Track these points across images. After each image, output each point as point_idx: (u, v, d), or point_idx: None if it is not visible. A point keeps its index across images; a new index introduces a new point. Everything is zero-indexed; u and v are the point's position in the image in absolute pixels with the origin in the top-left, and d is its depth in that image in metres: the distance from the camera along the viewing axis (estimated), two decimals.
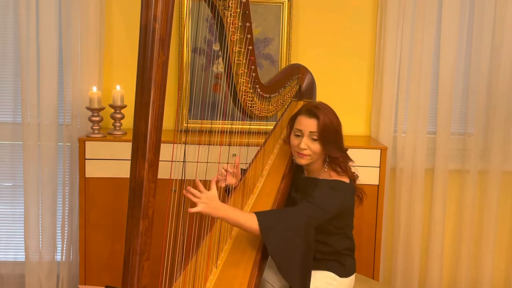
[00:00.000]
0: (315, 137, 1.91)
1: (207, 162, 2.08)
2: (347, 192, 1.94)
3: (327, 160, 1.96)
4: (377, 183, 2.72)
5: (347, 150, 2.00)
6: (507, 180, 3.10)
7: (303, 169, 2.07)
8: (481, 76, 2.97)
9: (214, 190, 1.70)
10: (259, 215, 1.74)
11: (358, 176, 2.00)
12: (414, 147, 2.99)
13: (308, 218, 1.80)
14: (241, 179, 2.07)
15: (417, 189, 2.99)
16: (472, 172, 3.02)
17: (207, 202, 1.66)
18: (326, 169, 1.97)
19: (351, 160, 1.99)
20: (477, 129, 3.01)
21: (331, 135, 1.91)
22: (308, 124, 1.93)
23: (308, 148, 1.92)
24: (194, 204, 1.66)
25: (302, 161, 1.96)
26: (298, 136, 1.96)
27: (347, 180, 1.95)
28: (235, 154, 2.37)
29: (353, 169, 1.99)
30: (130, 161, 1.16)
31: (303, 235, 1.78)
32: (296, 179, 2.09)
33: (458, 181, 3.08)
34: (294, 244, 1.76)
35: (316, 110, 1.93)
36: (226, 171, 2.03)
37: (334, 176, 1.94)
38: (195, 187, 1.67)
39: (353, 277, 2.06)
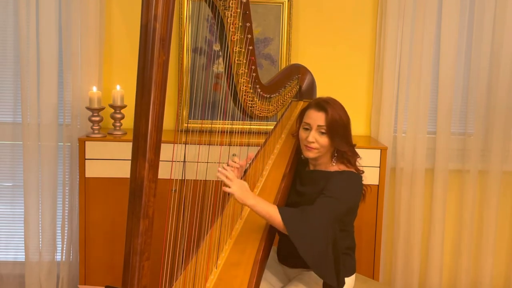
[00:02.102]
0: (323, 131, 1.92)
1: (207, 162, 2.07)
2: (359, 183, 1.95)
3: (335, 154, 1.97)
4: (377, 183, 2.72)
5: (355, 145, 2.01)
6: (507, 180, 3.10)
7: (307, 163, 2.08)
8: (481, 76, 2.98)
9: (244, 181, 1.77)
10: (282, 211, 1.76)
11: (363, 171, 2.01)
12: (414, 147, 2.99)
13: (329, 212, 1.81)
14: (241, 179, 2.07)
15: (417, 189, 2.99)
16: (472, 172, 3.02)
17: (239, 186, 1.73)
18: (334, 164, 1.98)
19: (359, 156, 2.00)
20: (477, 129, 3.01)
21: (339, 129, 1.92)
22: (317, 118, 1.94)
23: (316, 141, 1.94)
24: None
25: (310, 154, 1.97)
26: (306, 129, 1.97)
27: None
28: (235, 154, 2.37)
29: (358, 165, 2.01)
30: (130, 161, 1.16)
31: (329, 232, 1.78)
32: (300, 172, 2.09)
33: (458, 181, 3.08)
34: (323, 243, 1.76)
35: (325, 104, 1.94)
36: (234, 162, 2.00)
37: (343, 169, 1.96)
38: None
39: (353, 277, 2.05)
